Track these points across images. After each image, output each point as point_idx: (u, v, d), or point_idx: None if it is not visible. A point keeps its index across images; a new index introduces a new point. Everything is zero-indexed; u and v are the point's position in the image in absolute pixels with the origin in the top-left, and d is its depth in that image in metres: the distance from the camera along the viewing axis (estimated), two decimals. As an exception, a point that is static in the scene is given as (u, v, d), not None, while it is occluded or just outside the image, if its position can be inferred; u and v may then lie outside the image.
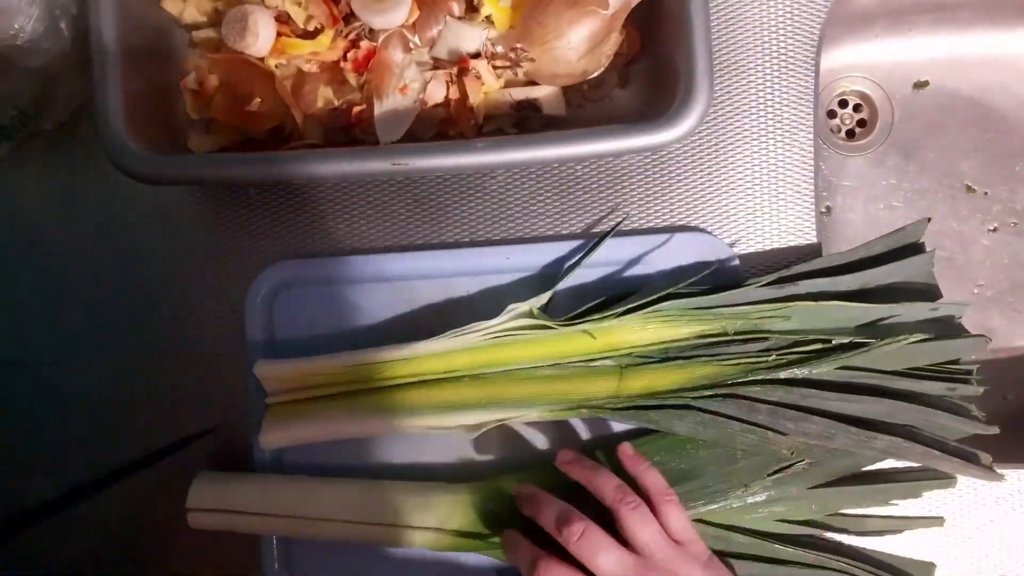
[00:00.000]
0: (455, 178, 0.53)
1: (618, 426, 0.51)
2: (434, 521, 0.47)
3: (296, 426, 0.48)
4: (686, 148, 0.53)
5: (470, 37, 0.49)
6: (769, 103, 0.53)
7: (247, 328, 0.51)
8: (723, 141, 0.53)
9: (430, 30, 0.49)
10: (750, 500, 0.47)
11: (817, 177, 0.54)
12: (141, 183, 0.46)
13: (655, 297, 0.47)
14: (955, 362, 0.49)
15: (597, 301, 0.49)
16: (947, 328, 0.49)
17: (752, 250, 0.54)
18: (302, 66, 0.50)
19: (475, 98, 0.49)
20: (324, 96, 0.50)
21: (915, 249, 0.50)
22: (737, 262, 0.52)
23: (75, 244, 0.53)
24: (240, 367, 0.52)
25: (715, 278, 0.50)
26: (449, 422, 0.48)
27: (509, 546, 0.45)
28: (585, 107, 0.53)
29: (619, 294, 0.50)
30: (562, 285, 0.50)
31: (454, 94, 0.50)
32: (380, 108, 0.49)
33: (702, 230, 0.53)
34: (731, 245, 0.53)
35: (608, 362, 0.49)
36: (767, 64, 0.53)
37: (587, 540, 0.41)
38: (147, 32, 0.49)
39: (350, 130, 0.50)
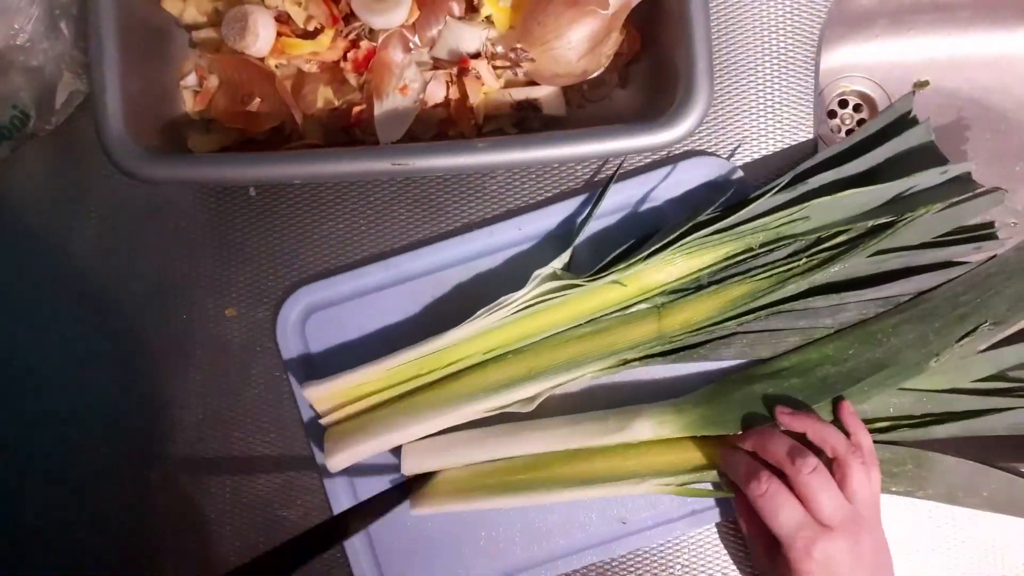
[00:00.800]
0: (455, 178, 0.53)
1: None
2: (648, 432, 0.48)
3: (358, 441, 0.48)
4: (686, 149, 0.53)
5: (470, 37, 0.49)
6: (769, 103, 0.53)
7: (283, 355, 0.51)
8: (723, 141, 0.53)
9: (430, 30, 0.49)
10: (941, 368, 0.48)
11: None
12: (141, 183, 0.46)
13: (676, 235, 0.47)
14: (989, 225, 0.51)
15: (620, 249, 0.49)
16: (962, 188, 0.49)
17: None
18: (302, 66, 0.50)
19: (475, 98, 0.49)
20: (324, 96, 0.50)
21: (910, 122, 0.51)
22: (741, 174, 0.52)
23: (75, 244, 0.53)
24: (241, 363, 0.52)
25: (725, 199, 0.50)
26: (502, 401, 0.48)
27: (726, 456, 0.46)
28: (585, 107, 0.53)
29: (639, 237, 0.50)
30: (579, 240, 0.50)
31: (454, 94, 0.50)
32: (380, 108, 0.49)
33: (703, 152, 0.53)
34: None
35: (643, 305, 0.49)
36: (767, 64, 0.53)
37: (819, 476, 0.42)
38: (147, 32, 0.49)
39: (350, 130, 0.50)
